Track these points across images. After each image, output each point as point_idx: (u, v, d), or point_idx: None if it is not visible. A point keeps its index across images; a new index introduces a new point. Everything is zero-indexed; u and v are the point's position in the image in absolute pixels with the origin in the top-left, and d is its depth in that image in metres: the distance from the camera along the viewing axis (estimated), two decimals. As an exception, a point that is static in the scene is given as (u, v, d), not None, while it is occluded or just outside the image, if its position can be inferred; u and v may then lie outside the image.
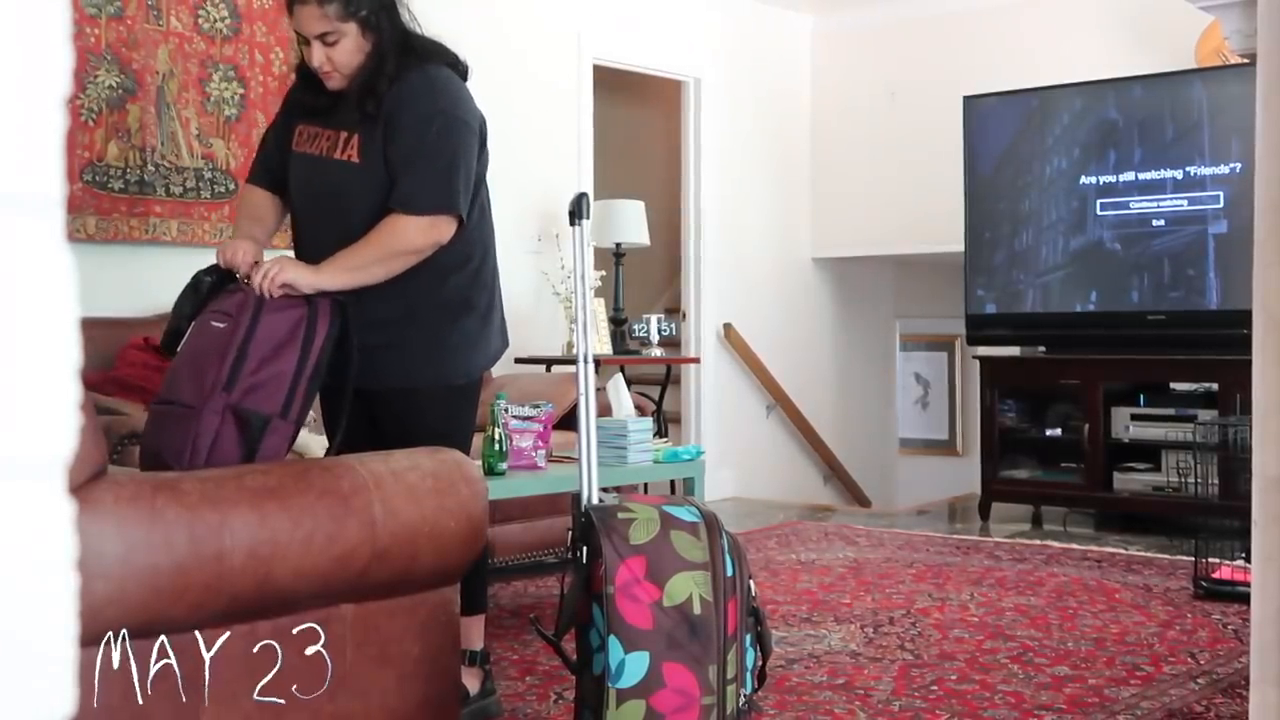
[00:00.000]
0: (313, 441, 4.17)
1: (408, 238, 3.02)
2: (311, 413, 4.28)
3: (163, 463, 2.66)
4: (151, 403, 2.91)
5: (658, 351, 6.62)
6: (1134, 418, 6.29)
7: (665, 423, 6.71)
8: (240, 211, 3.31)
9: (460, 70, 3.21)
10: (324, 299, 2.89)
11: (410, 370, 3.15)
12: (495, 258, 3.33)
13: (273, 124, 3.37)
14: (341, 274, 2.97)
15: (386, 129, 3.05)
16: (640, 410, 5.03)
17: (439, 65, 3.14)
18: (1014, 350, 6.89)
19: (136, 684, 2.14)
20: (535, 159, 6.70)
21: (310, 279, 2.92)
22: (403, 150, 3.04)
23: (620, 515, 2.64)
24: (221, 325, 2.77)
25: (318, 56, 3.04)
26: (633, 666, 2.52)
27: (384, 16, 3.08)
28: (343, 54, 3.04)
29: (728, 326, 7.75)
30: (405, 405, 3.17)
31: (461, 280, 3.19)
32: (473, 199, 3.14)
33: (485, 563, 3.27)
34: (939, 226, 7.37)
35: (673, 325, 7.10)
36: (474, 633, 3.23)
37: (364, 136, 3.07)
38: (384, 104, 3.05)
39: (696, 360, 7.46)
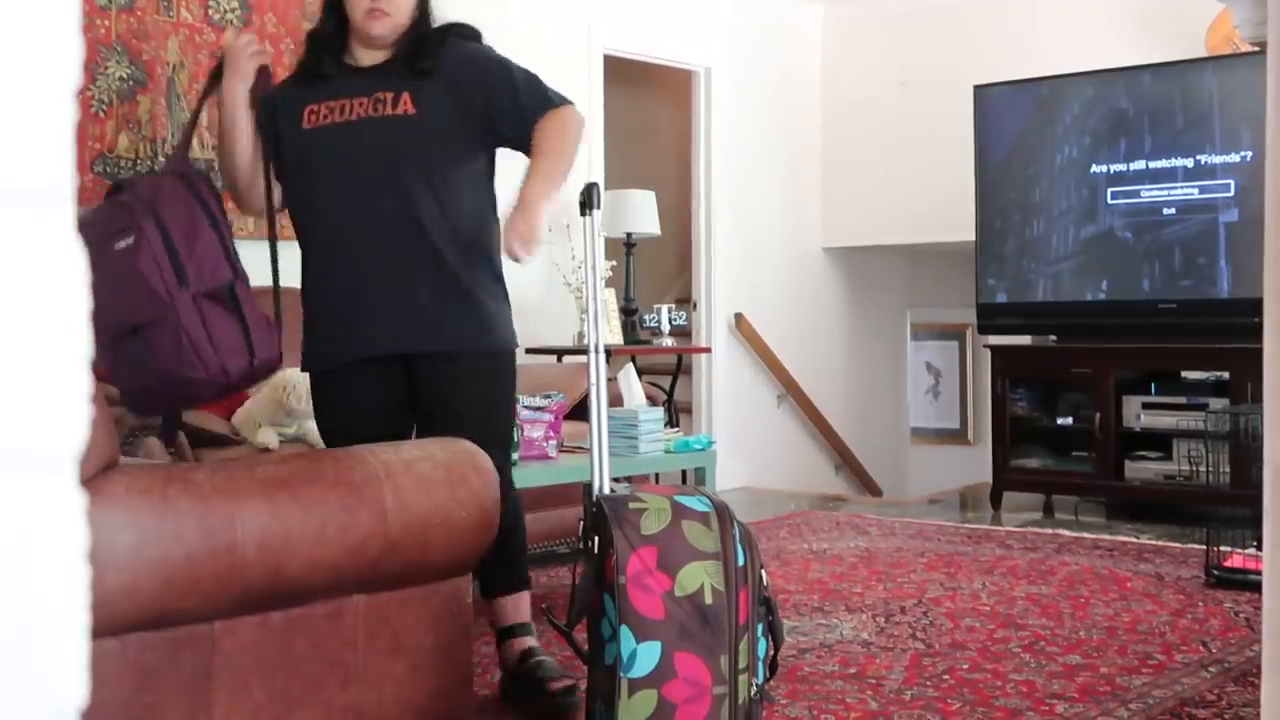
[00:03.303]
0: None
1: (575, 123, 3.21)
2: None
3: (172, 385, 2.69)
4: (102, 345, 2.93)
5: (669, 341, 6.63)
6: (1145, 406, 6.28)
7: (676, 412, 6.71)
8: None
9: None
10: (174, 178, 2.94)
11: (452, 335, 3.17)
12: None
13: (261, 99, 3.26)
14: (559, 178, 3.13)
15: (463, 88, 3.17)
16: (651, 400, 5.03)
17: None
18: (1025, 339, 6.88)
19: (149, 675, 2.14)
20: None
21: (550, 194, 3.07)
22: (502, 82, 3.21)
23: (632, 505, 2.64)
24: (129, 241, 2.77)
25: None
26: (644, 656, 2.52)
27: None
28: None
29: (739, 316, 7.75)
30: (449, 373, 3.19)
31: (491, 248, 3.27)
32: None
33: (514, 539, 3.30)
34: (950, 215, 7.36)
35: (684, 315, 7.09)
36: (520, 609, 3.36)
37: (415, 92, 3.14)
38: (441, 68, 3.16)
39: (708, 350, 7.47)
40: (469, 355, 3.19)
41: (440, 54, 3.18)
